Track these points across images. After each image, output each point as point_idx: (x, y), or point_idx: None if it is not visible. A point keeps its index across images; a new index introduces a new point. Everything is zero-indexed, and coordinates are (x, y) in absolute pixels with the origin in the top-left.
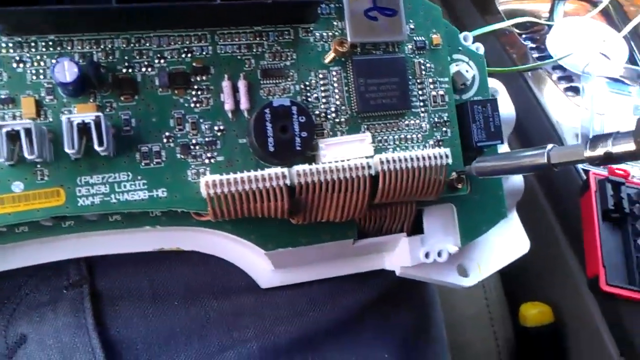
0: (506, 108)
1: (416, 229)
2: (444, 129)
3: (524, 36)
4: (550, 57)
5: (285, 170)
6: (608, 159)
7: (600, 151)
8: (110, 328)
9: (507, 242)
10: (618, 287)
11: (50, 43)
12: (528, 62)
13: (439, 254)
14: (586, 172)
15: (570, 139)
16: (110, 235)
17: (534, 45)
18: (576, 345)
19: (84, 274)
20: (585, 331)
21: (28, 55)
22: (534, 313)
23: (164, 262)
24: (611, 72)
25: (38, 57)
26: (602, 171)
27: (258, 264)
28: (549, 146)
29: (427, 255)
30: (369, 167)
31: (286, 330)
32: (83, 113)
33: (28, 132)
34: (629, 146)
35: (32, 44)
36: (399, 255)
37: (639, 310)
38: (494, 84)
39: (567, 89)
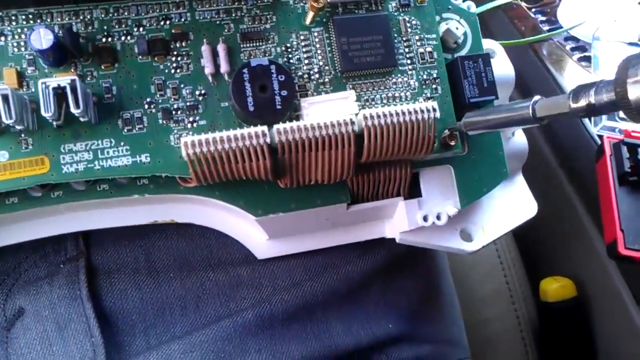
0: (504, 68)
1: (414, 194)
2: (434, 86)
3: (533, 10)
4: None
5: (265, 128)
6: (591, 110)
7: (582, 102)
8: (104, 299)
9: (513, 206)
10: (638, 250)
11: (30, 16)
12: (539, 34)
13: (438, 217)
14: (600, 137)
15: None
16: (103, 209)
17: (544, 19)
18: (600, 318)
19: (81, 249)
20: (610, 303)
21: (9, 28)
22: (555, 287)
23: (161, 236)
24: (626, 36)
25: (19, 30)
26: (618, 135)
27: (253, 235)
28: (535, 98)
29: (425, 218)
30: (352, 123)
31: (282, 300)
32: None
33: (5, 98)
34: (610, 96)
35: (12, 17)
36: (398, 221)
37: None
38: (490, 44)
39: (580, 59)
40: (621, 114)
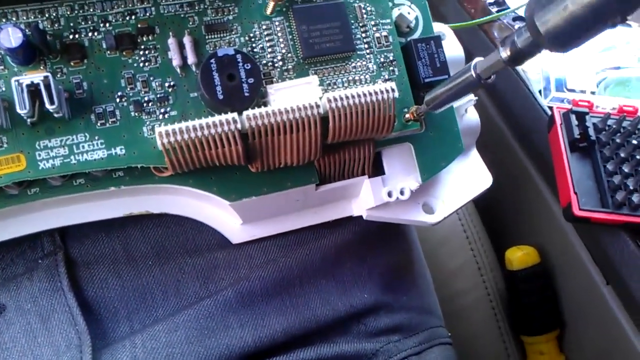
0: (454, 50)
1: (378, 172)
2: (391, 68)
3: None
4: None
5: (235, 115)
6: (520, 55)
7: (511, 51)
8: (86, 289)
9: (469, 179)
10: (591, 210)
11: None
12: (488, 16)
13: (402, 192)
14: (551, 108)
15: (538, 85)
16: (80, 204)
17: (492, 0)
18: (563, 281)
19: (58, 244)
20: (571, 266)
21: None
22: (519, 256)
23: (137, 226)
24: None
25: None
26: (566, 105)
27: (227, 221)
28: (474, 61)
29: (389, 194)
30: (318, 106)
31: (260, 276)
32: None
33: None
34: (529, 37)
35: None
36: (364, 198)
37: (615, 233)
38: (440, 28)
39: None
40: (569, 84)
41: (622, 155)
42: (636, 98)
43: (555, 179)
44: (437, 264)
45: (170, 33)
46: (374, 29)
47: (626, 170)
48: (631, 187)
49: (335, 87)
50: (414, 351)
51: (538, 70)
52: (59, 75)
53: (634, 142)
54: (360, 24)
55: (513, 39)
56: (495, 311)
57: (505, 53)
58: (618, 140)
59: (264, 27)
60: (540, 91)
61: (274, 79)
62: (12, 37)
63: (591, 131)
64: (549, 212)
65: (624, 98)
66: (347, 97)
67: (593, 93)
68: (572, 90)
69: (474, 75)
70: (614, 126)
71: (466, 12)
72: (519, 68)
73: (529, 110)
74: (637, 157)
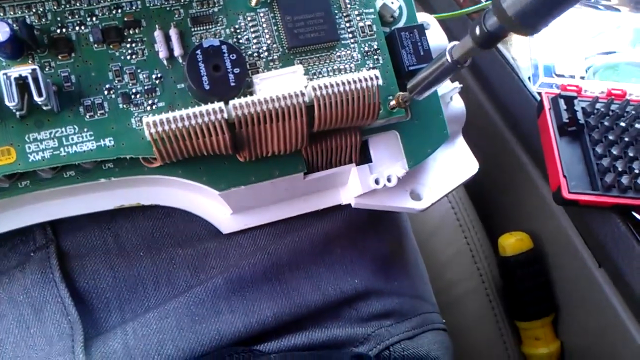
0: (438, 39)
1: (365, 160)
2: (375, 57)
3: None
4: None
5: (222, 104)
6: (490, 38)
7: (480, 34)
8: (78, 280)
9: (456, 165)
10: (581, 193)
11: None
12: (477, 5)
13: (389, 179)
14: (540, 94)
15: (527, 73)
16: (70, 197)
17: None
18: (557, 266)
19: (50, 237)
20: (563, 250)
21: None
22: (512, 242)
23: (128, 218)
24: None
25: None
26: (555, 90)
27: (217, 211)
28: (449, 45)
29: (377, 181)
30: (303, 94)
31: (250, 263)
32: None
33: None
34: (494, 19)
35: None
36: (352, 186)
37: (605, 215)
38: (425, 18)
39: None
40: (558, 69)
41: (611, 138)
42: (625, 82)
43: (545, 164)
44: (431, 254)
45: (157, 26)
46: (358, 18)
47: (615, 152)
48: (620, 169)
49: (320, 76)
50: (406, 336)
51: (527, 57)
52: (47, 69)
53: (622, 124)
54: (344, 14)
55: (481, 22)
56: (490, 298)
57: (474, 37)
58: (606, 124)
59: (248, 18)
60: (529, 77)
61: (260, 69)
62: None
63: (580, 115)
64: (540, 197)
65: (612, 82)
66: (331, 85)
67: (582, 78)
68: (561, 76)
69: (449, 59)
70: (602, 110)
71: (455, 1)
72: (508, 55)
73: (518, 97)
74: (626, 139)
